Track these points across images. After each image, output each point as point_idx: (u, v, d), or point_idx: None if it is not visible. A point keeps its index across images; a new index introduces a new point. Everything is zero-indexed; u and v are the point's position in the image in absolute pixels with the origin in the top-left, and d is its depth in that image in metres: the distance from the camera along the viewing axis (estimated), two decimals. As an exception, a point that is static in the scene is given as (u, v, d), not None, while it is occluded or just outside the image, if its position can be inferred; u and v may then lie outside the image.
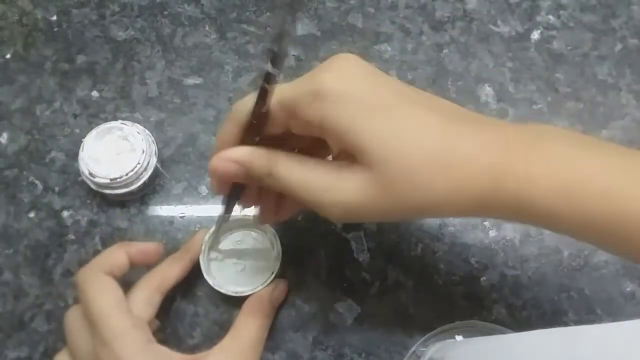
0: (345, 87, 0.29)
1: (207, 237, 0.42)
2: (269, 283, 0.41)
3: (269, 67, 0.28)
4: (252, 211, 0.40)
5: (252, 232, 0.44)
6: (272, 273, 0.41)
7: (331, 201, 0.30)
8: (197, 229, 0.45)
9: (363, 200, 0.29)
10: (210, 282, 0.41)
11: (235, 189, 0.36)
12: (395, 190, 0.29)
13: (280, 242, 0.42)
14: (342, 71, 0.30)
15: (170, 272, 0.40)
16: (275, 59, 0.28)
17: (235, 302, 0.43)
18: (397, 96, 0.30)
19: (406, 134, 0.28)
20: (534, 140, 0.29)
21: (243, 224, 0.44)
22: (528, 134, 0.30)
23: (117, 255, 0.38)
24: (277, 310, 0.42)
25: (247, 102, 0.32)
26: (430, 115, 0.29)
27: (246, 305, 0.40)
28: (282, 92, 0.31)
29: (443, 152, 0.28)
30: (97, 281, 0.36)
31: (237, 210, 0.39)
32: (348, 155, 0.30)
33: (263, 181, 0.32)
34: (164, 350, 0.36)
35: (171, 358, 0.36)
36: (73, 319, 0.36)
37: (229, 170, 0.32)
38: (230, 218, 0.43)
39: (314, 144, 0.34)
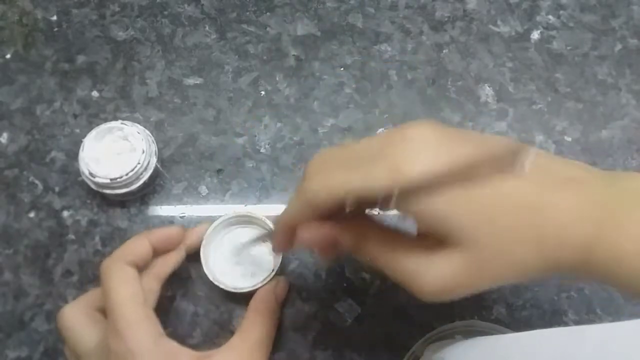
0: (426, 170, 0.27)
1: (208, 231, 0.42)
2: (270, 280, 0.41)
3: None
4: (255, 208, 0.40)
5: (254, 229, 0.44)
6: (273, 270, 0.41)
7: (421, 286, 0.29)
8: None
9: (455, 283, 0.28)
10: (210, 277, 0.41)
11: None
12: (490, 269, 0.28)
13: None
14: (420, 150, 0.27)
15: (166, 260, 0.40)
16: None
17: (236, 301, 0.43)
18: None
19: (498, 210, 0.27)
20: (628, 208, 0.27)
21: (245, 220, 0.44)
22: (621, 198, 0.28)
23: (139, 245, 0.38)
24: (278, 309, 0.42)
25: (328, 196, 0.29)
26: (520, 181, 0.28)
27: (253, 304, 0.40)
28: (355, 183, 0.28)
29: (537, 223, 0.27)
30: (118, 271, 0.36)
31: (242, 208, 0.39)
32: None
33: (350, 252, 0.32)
34: (173, 344, 0.36)
35: (180, 353, 0.36)
36: (73, 315, 0.37)
37: (316, 241, 0.31)
38: (233, 214, 0.43)
39: None
